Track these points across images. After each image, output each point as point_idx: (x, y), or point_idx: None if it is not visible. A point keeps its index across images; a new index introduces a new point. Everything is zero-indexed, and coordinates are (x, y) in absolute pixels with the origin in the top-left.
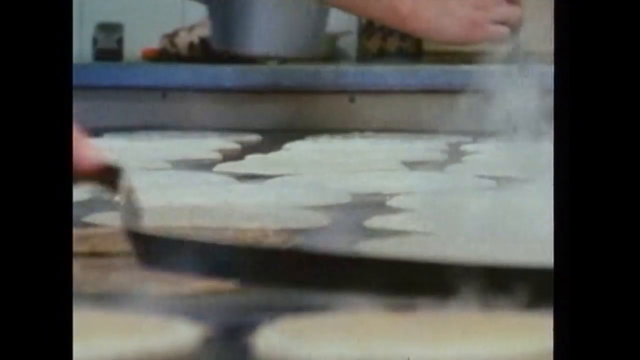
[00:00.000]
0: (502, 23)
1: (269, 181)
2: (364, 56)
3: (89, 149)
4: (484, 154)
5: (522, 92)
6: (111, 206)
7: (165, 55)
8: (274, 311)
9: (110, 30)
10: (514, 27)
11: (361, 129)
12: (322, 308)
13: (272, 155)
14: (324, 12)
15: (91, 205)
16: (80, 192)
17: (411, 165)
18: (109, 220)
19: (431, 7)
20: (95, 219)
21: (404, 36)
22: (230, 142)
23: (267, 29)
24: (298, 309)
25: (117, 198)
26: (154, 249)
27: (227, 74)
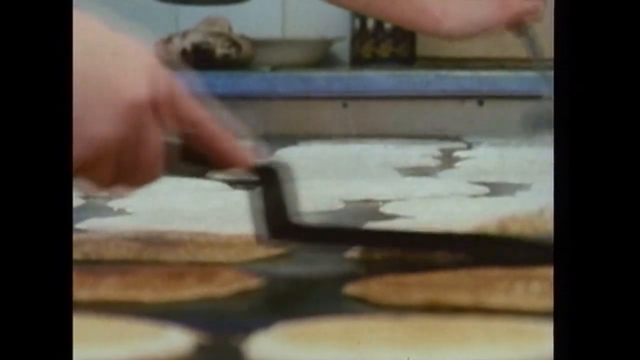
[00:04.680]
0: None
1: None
2: (357, 62)
3: (244, 149)
4: (477, 160)
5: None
6: (103, 212)
7: None
8: (268, 317)
9: None
10: (539, 10)
11: (354, 135)
12: (315, 314)
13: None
14: None
15: (84, 211)
16: (74, 199)
17: (404, 171)
18: (102, 226)
19: (460, 1)
20: (88, 225)
21: (397, 42)
22: None
23: None
24: (292, 315)
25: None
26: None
27: (219, 81)
